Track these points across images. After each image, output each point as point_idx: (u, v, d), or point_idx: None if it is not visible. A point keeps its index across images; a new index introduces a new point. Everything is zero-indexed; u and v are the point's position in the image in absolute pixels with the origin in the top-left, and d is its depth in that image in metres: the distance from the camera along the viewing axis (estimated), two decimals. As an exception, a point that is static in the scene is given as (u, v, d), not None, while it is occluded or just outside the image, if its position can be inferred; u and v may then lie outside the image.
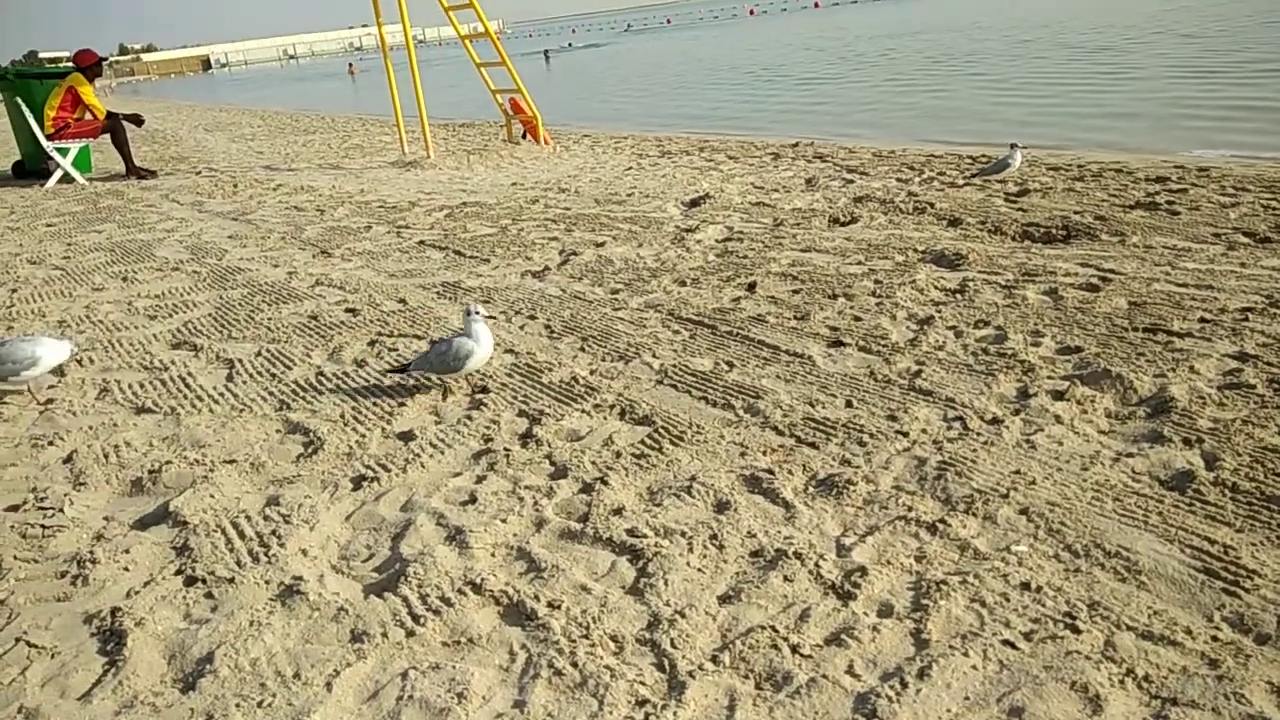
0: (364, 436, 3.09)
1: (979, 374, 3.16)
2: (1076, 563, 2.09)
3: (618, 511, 2.47)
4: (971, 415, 2.85)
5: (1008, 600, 1.98)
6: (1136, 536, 2.16)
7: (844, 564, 2.18)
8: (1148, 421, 2.73)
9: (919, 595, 2.04)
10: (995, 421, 2.81)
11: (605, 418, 3.10)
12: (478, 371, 3.44)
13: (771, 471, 2.62)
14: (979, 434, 2.74)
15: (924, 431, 2.79)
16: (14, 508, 2.80)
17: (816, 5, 73.57)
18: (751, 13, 78.36)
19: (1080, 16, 25.54)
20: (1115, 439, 2.66)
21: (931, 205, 5.81)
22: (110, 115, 10.45)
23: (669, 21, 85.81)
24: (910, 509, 2.38)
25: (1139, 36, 18.06)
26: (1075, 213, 5.29)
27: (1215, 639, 1.82)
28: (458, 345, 3.26)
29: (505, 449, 2.90)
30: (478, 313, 3.26)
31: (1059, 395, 2.93)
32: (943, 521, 2.30)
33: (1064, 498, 2.35)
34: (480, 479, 2.74)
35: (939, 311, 3.81)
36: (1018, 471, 2.50)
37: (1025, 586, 2.02)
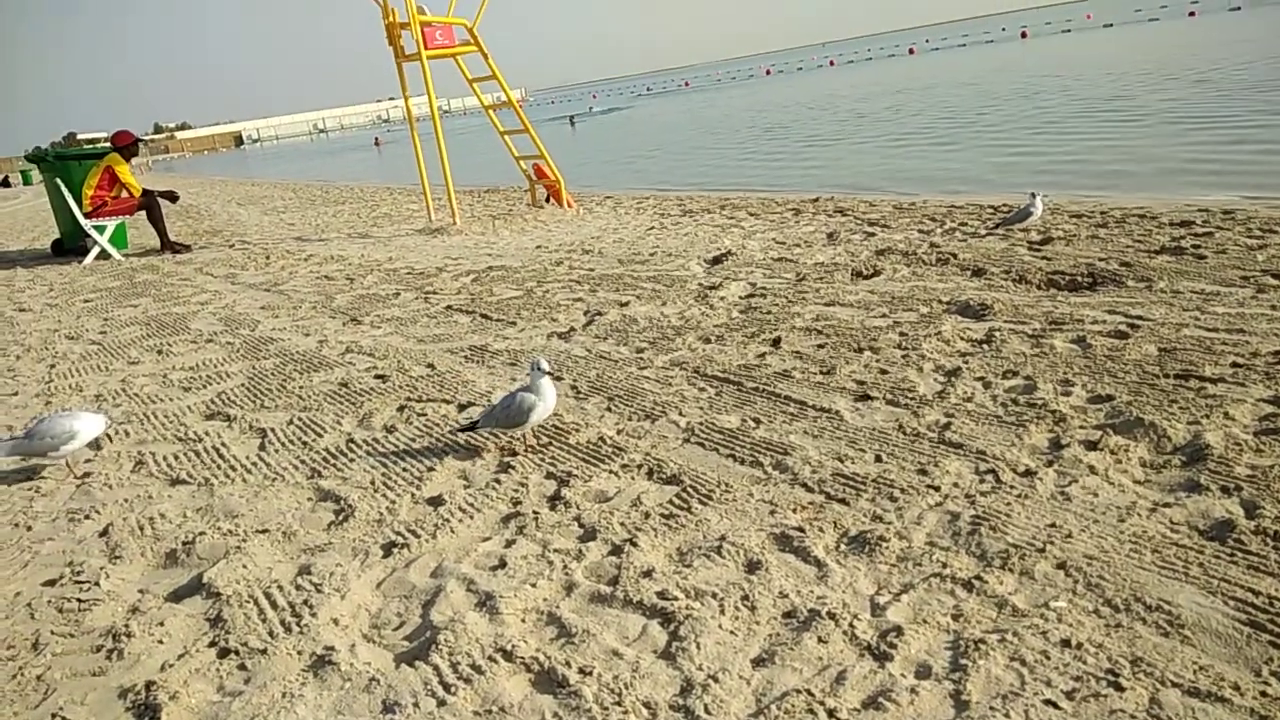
0: (394, 503, 3.10)
1: (1009, 425, 3.13)
2: (1117, 618, 2.04)
3: (648, 574, 2.46)
4: (1004, 468, 2.82)
5: (1048, 658, 1.94)
6: (1178, 589, 2.12)
7: (879, 624, 2.14)
8: (1184, 470, 2.69)
9: (957, 655, 2.00)
10: (1028, 474, 2.77)
11: (633, 478, 3.10)
12: (541, 426, 3.47)
13: (802, 529, 2.60)
14: (1012, 487, 2.71)
15: (956, 485, 2.76)
16: (51, 582, 2.84)
17: (831, 64, 74.76)
18: (768, 73, 79.69)
19: (1088, 66, 25.74)
20: (1151, 489, 2.62)
21: (954, 256, 5.81)
22: (146, 193, 10.77)
23: (686, 84, 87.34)
24: (945, 565, 2.34)
25: (1149, 84, 18.13)
26: (1100, 259, 5.27)
27: (1265, 694, 1.77)
28: (520, 400, 3.29)
29: (534, 512, 2.91)
30: (540, 367, 3.28)
31: (1092, 445, 2.89)
32: (979, 578, 2.26)
33: (1101, 550, 2.31)
34: (509, 543, 2.74)
35: (966, 363, 3.79)
36: (1053, 524, 2.46)
37: (1066, 643, 1.98)
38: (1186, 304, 4.23)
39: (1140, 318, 4.09)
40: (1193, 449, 2.78)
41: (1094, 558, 2.28)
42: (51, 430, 3.54)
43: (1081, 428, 3.04)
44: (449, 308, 6.10)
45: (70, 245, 11.34)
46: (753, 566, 2.45)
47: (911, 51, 71.83)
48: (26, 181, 48.08)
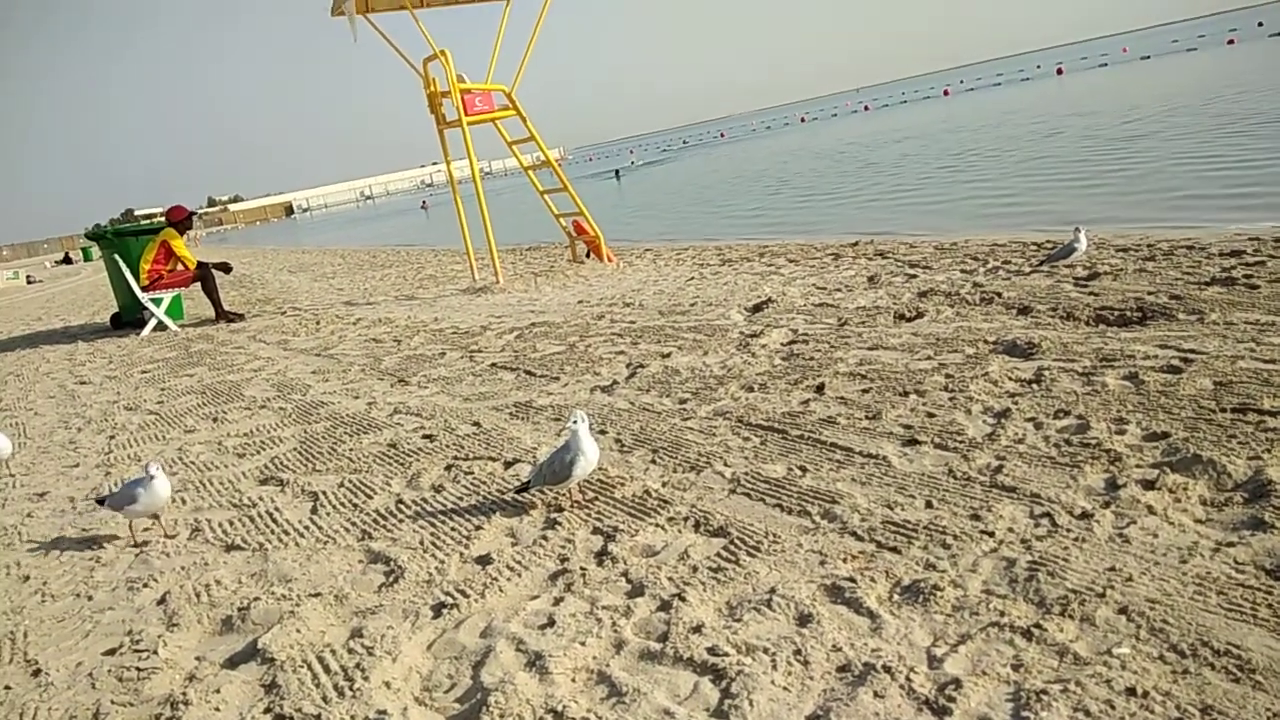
0: (443, 562, 3.12)
1: (1063, 466, 3.07)
2: (1184, 663, 1.97)
3: (697, 629, 2.43)
4: (1059, 510, 2.76)
5: (1113, 708, 1.88)
6: (1246, 632, 2.04)
7: (936, 676, 2.09)
8: (1246, 507, 2.60)
9: (1019, 706, 1.94)
10: (1085, 516, 2.71)
11: (680, 531, 3.08)
12: (586, 481, 3.48)
13: (853, 580, 2.56)
14: (1069, 530, 2.64)
15: (1010, 530, 2.70)
16: (111, 651, 2.88)
17: (866, 109, 75.14)
18: (803, 120, 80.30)
19: (1129, 101, 25.56)
20: (1213, 528, 2.54)
21: (999, 295, 5.76)
22: (201, 265, 11.11)
23: (723, 135, 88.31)
24: (1003, 614, 2.29)
25: (1168, 120, 17.93)
26: (1149, 293, 5.18)
27: (1348, 743, 1.69)
28: (558, 457, 3.30)
29: (581, 568, 2.90)
30: (575, 421, 3.28)
31: (1149, 484, 2.82)
32: (1038, 626, 2.20)
33: (1164, 594, 2.24)
34: (558, 601, 2.73)
35: (1015, 403, 3.73)
36: (1113, 568, 2.40)
37: (1131, 692, 1.91)
38: (1241, 336, 4.13)
39: (1193, 351, 4.00)
40: (1255, 485, 2.70)
41: (1157, 601, 2.21)
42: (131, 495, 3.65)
43: (1138, 467, 2.97)
44: (494, 365, 6.17)
45: (128, 318, 11.71)
46: (804, 619, 2.41)
47: (946, 93, 71.94)
48: (87, 258, 49.88)
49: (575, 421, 3.29)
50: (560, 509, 3.42)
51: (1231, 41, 51.43)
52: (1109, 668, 2.00)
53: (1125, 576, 2.34)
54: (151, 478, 3.61)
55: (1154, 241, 6.92)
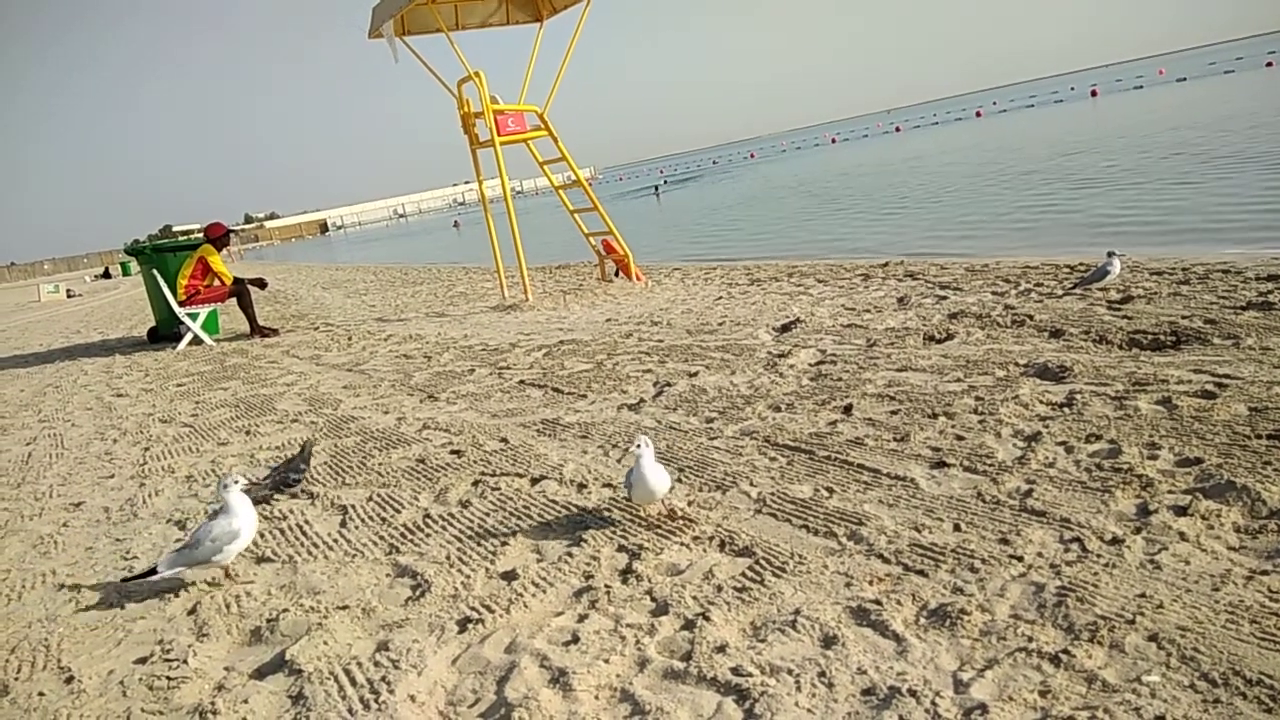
0: (469, 577, 3.13)
1: (1094, 491, 3.03)
2: (1215, 693, 1.94)
3: (721, 649, 2.43)
4: (1089, 536, 2.73)
5: (1143, 737, 1.85)
6: (1279, 662, 2.00)
7: (963, 701, 2.07)
8: (1282, 535, 2.56)
9: (1045, 733, 1.92)
10: (1115, 541, 2.67)
11: (705, 550, 3.08)
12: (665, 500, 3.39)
13: (879, 602, 2.54)
14: (1099, 555, 2.61)
15: (1040, 555, 2.67)
16: (142, 660, 2.92)
17: (898, 130, 75.00)
18: (833, 141, 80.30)
19: (1166, 123, 25.30)
20: (1247, 555, 2.50)
21: (1030, 317, 5.71)
22: (237, 280, 11.29)
23: (752, 156, 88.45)
24: (1030, 639, 2.26)
25: (1200, 143, 17.72)
26: (1183, 317, 5.12)
27: (1385, 778, 1.66)
28: (631, 476, 3.28)
29: (606, 586, 2.90)
30: (638, 446, 3.21)
31: (1182, 511, 2.78)
32: (1066, 652, 2.18)
33: (1195, 621, 2.20)
34: (582, 618, 2.73)
35: (1046, 427, 3.70)
36: (1143, 594, 2.36)
37: (1161, 721, 1.88)
38: (1277, 361, 4.07)
39: (1228, 376, 3.94)
40: (1291, 513, 2.65)
41: (1188, 629, 2.18)
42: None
43: (1170, 492, 2.93)
44: (522, 382, 6.20)
45: (165, 332, 11.91)
46: (829, 641, 2.40)
47: (978, 114, 71.66)
48: (126, 273, 50.79)
49: (639, 447, 3.21)
50: (586, 526, 3.42)
51: (1270, 64, 50.81)
52: (1138, 695, 1.97)
53: (1156, 603, 2.31)
54: None
55: (1189, 265, 6.83)
